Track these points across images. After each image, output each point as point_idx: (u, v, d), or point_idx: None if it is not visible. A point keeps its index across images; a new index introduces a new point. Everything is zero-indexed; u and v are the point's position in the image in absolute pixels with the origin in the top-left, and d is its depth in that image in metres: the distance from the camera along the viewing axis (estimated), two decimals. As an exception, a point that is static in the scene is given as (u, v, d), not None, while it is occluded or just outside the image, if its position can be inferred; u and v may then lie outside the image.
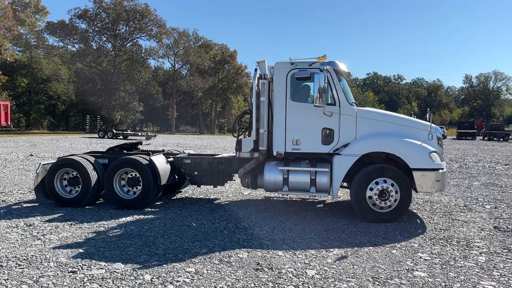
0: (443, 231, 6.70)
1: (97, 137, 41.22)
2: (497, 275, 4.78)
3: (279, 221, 7.19)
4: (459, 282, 4.54)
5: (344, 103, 7.55)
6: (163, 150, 9.55)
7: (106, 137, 41.35)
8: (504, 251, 5.68)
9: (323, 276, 4.70)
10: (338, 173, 7.42)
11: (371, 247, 5.80)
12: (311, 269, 4.92)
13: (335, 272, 4.84)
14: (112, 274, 4.64)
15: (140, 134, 43.85)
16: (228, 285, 4.40)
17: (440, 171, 7.25)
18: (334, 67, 7.63)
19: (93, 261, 5.03)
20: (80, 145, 27.18)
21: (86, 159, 8.35)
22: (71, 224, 6.81)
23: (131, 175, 8.20)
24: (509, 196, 9.88)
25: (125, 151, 9.19)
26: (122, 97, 64.42)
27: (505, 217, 7.67)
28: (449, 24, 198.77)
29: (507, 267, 5.03)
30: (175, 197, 9.38)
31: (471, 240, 6.17)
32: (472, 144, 37.85)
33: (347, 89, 8.00)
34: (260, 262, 5.12)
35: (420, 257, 5.40)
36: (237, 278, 4.59)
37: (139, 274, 4.67)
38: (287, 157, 7.78)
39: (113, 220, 7.11)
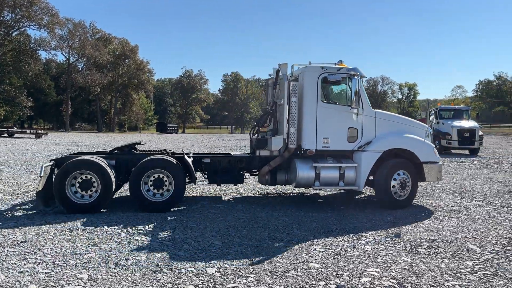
0: (336, 223, 7.15)
1: (-24, 135, 36.76)
2: (381, 261, 5.23)
3: (180, 220, 7.07)
4: (348, 271, 4.87)
5: (366, 105, 8.47)
6: (164, 150, 8.85)
7: (-13, 135, 37.04)
8: (387, 239, 6.24)
9: (223, 273, 4.72)
10: (365, 167, 8.32)
11: (270, 242, 5.98)
12: (212, 267, 4.92)
13: (235, 268, 4.89)
14: (-11, 287, 4.17)
15: (28, 132, 40.05)
16: (125, 290, 4.21)
17: (440, 163, 8.76)
18: (359, 73, 8.33)
19: (-33, 274, 4.46)
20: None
21: (102, 160, 7.60)
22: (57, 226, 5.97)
23: (158, 176, 7.76)
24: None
25: (134, 151, 8.64)
26: (7, 91, 58.20)
27: (388, 209, 8.43)
28: (338, 29, 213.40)
29: (389, 254, 5.53)
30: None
31: (359, 231, 6.68)
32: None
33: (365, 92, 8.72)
34: (159, 263, 4.98)
35: (315, 249, 5.70)
36: (135, 282, 4.41)
37: (22, 285, 4.25)
38: (317, 154, 8.36)
39: (-7, 227, 6.38)
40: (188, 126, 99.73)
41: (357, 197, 9.82)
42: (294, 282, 4.50)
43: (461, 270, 4.93)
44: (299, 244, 5.91)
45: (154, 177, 7.77)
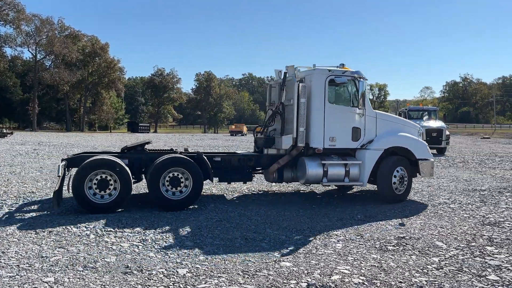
0: (307, 222, 7.21)
1: None
2: (351, 259, 5.31)
3: (151, 221, 6.97)
4: (319, 269, 4.92)
5: (368, 106, 9.04)
6: (171, 149, 9.02)
7: None
8: (357, 237, 6.34)
9: (194, 274, 4.69)
10: (368, 164, 8.84)
11: (242, 242, 5.97)
12: (183, 268, 4.87)
13: (206, 269, 4.86)
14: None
15: (-8, 131, 38.63)
16: (93, 293, 4.12)
17: (432, 160, 9.52)
18: (362, 75, 8.92)
19: None
20: None
21: (119, 159, 7.60)
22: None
23: (173, 174, 7.83)
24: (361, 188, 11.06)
25: (147, 151, 8.66)
26: (-31, 88, 56.05)
27: (359, 207, 8.57)
28: (312, 31, 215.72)
29: (359, 252, 5.62)
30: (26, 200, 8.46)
31: (331, 229, 6.76)
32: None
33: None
34: (129, 265, 4.90)
35: (287, 248, 5.73)
36: (103, 284, 4.32)
37: (-16, 290, 4.09)
38: (324, 152, 8.78)
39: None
40: (160, 125, 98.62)
41: (336, 195, 9.95)
42: (266, 281, 4.51)
43: (428, 266, 5.06)
44: (271, 243, 5.93)
45: (170, 176, 7.84)
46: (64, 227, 6.43)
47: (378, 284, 4.49)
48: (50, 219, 6.90)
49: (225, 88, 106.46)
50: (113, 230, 6.36)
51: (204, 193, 9.76)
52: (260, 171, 9.41)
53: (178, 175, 7.87)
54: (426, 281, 4.60)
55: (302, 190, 10.44)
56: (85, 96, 74.72)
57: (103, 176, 7.46)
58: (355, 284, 4.48)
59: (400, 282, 4.56)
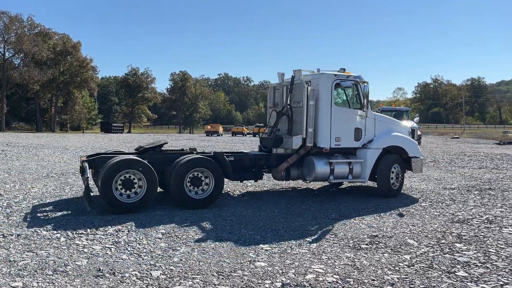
0: (282, 222, 7.24)
1: None
2: (325, 258, 5.36)
3: (124, 223, 6.85)
4: (294, 268, 4.95)
5: (368, 108, 9.56)
6: (182, 149, 9.31)
7: None
8: (331, 236, 6.40)
9: (168, 276, 4.63)
10: (370, 162, 9.49)
11: (217, 243, 5.94)
12: (157, 270, 4.81)
13: (181, 270, 4.82)
14: None
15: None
16: (63, 297, 4.02)
17: (422, 157, 10.44)
18: (362, 80, 9.45)
19: None
20: None
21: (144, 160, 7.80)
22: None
23: (193, 175, 8.12)
24: (331, 187, 11.20)
25: (166, 151, 8.95)
26: None
27: (333, 207, 8.66)
28: (289, 32, 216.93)
29: (333, 251, 5.68)
30: None
31: (305, 229, 6.81)
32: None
33: None
34: (101, 268, 4.80)
35: (262, 248, 5.73)
36: (74, 288, 4.22)
37: None
38: (329, 152, 9.31)
39: None
40: (134, 125, 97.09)
41: (319, 191, 10.02)
42: (241, 282, 4.51)
43: (400, 264, 5.16)
44: (246, 244, 5.93)
45: (191, 176, 8.10)
46: (33, 230, 6.25)
47: (352, 283, 4.55)
48: (16, 222, 6.68)
49: (200, 88, 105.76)
50: (85, 232, 6.22)
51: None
52: (266, 169, 9.73)
53: (198, 174, 8.17)
54: (397, 278, 4.69)
55: (278, 188, 10.48)
56: (56, 96, 72.85)
57: (127, 176, 7.56)
58: (329, 282, 4.53)
59: (373, 279, 4.63)
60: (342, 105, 9.73)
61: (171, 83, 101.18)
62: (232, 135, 60.10)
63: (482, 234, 6.59)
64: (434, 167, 16.41)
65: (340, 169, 9.31)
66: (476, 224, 7.25)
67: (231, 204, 8.70)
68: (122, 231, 6.35)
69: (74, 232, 6.23)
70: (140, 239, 6.01)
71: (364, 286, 4.45)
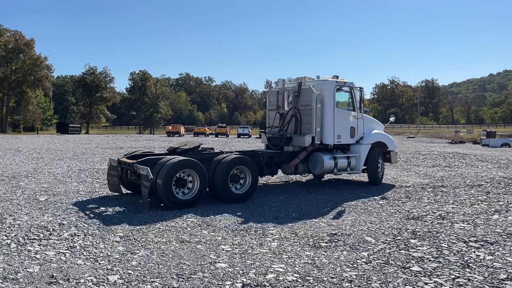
0: (244, 222, 7.23)
1: None
2: (286, 257, 5.40)
3: (80, 227, 6.63)
4: (254, 268, 4.95)
5: (359, 109, 11.14)
6: (198, 146, 9.94)
7: None
8: (292, 235, 6.46)
9: (126, 280, 4.51)
10: (363, 156, 11.25)
11: (177, 245, 5.86)
12: (114, 274, 4.67)
13: (139, 274, 4.71)
14: None
15: None
16: (13, 306, 3.83)
17: (397, 151, 12.77)
18: (354, 85, 11.15)
19: None
20: None
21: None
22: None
23: (234, 172, 8.95)
24: (294, 186, 11.33)
25: (202, 151, 9.83)
26: None
27: (294, 206, 8.75)
28: (253, 33, 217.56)
29: (294, 250, 5.73)
30: None
31: (266, 228, 6.83)
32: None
33: None
34: (54, 274, 4.61)
35: (223, 249, 5.70)
36: (25, 296, 4.03)
37: None
38: (332, 148, 10.82)
39: None
40: (93, 126, 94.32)
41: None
42: (201, 284, 4.46)
43: (358, 261, 5.28)
44: (207, 245, 5.88)
45: (232, 173, 8.89)
46: (-19, 236, 5.92)
47: (311, 281, 4.60)
48: (-36, 229, 6.32)
49: (161, 87, 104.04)
50: (37, 238, 5.97)
51: (135, 196, 9.47)
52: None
53: (235, 172, 8.99)
54: (355, 275, 4.79)
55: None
56: (8, 95, 69.60)
57: (181, 175, 8.21)
58: (289, 281, 4.56)
59: (332, 277, 4.71)
60: (341, 107, 11.16)
61: (130, 83, 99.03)
62: (194, 136, 59.55)
63: (435, 230, 6.86)
64: (391, 165, 16.91)
65: (342, 163, 10.80)
66: (430, 220, 7.53)
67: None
68: (78, 236, 6.14)
69: (26, 237, 5.96)
70: (96, 243, 5.82)
71: (323, 284, 4.52)
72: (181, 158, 8.34)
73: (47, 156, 19.42)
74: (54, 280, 4.44)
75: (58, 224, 6.72)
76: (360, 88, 11.18)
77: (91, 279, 4.51)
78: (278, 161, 10.49)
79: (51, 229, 6.41)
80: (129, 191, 9.54)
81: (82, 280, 4.47)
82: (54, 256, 5.24)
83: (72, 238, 6.02)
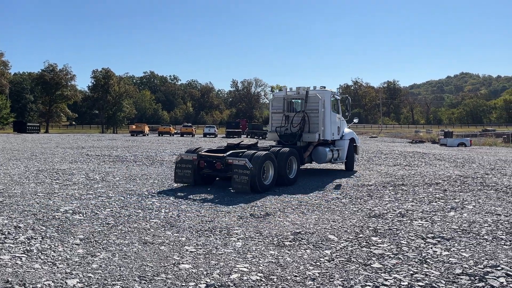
0: (208, 222, 7.19)
1: None
2: (250, 257, 5.41)
3: (37, 230, 6.39)
4: (218, 269, 4.93)
5: (341, 113, 14.96)
6: (257, 143, 13.36)
7: None
8: (257, 235, 6.48)
9: (86, 284, 4.39)
10: (346, 148, 14.77)
11: (140, 246, 5.75)
12: (73, 278, 4.53)
13: (100, 277, 4.59)
14: None
15: None
16: (-37, 314, 3.64)
17: (359, 145, 16.47)
18: (339, 95, 15.20)
19: None
20: None
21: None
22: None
23: (289, 160, 11.51)
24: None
25: (257, 147, 12.38)
26: None
27: (259, 205, 8.79)
28: (217, 31, 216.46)
29: (258, 249, 5.75)
30: None
31: (231, 228, 6.82)
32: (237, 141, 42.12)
33: None
34: (9, 279, 4.42)
35: (187, 250, 5.64)
36: (-23, 304, 3.84)
37: None
38: (328, 143, 14.10)
39: None
40: (53, 125, 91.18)
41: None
42: (164, 286, 4.40)
43: (321, 259, 5.36)
44: (171, 246, 5.80)
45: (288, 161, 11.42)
46: None
47: (275, 280, 4.63)
48: None
49: (124, 86, 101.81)
50: (-9, 242, 5.70)
51: (100, 197, 9.24)
52: None
53: (290, 161, 11.57)
54: (318, 273, 4.86)
55: (205, 190, 10.39)
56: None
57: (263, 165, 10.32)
58: (253, 281, 4.57)
59: (295, 276, 4.76)
60: (333, 111, 14.07)
61: (92, 81, 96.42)
62: (159, 135, 58.71)
63: (395, 227, 7.06)
64: (354, 165, 17.26)
65: (335, 154, 13.90)
66: (390, 218, 7.75)
67: (155, 205, 8.47)
68: (35, 239, 5.92)
69: (-21, 241, 5.68)
70: (55, 246, 5.63)
71: (287, 283, 4.56)
72: (265, 152, 10.47)
73: (3, 156, 18.62)
74: (10, 286, 4.26)
75: (14, 227, 6.46)
76: (347, 96, 15.57)
77: (49, 284, 4.35)
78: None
79: (6, 232, 6.15)
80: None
81: (39, 285, 4.31)
82: (10, 260, 5.02)
83: (28, 241, 5.79)
